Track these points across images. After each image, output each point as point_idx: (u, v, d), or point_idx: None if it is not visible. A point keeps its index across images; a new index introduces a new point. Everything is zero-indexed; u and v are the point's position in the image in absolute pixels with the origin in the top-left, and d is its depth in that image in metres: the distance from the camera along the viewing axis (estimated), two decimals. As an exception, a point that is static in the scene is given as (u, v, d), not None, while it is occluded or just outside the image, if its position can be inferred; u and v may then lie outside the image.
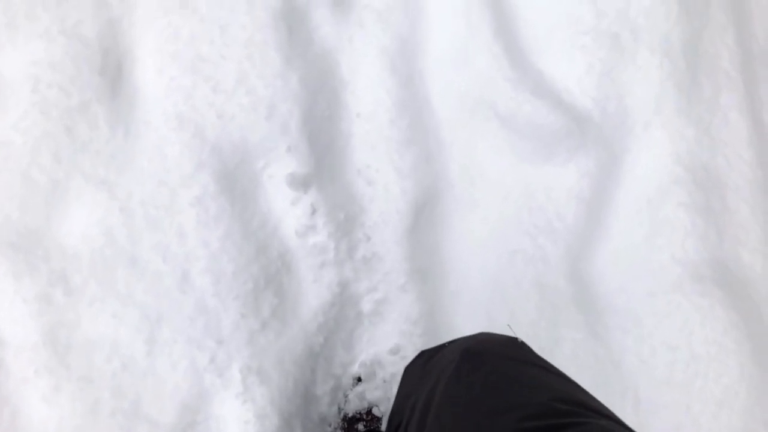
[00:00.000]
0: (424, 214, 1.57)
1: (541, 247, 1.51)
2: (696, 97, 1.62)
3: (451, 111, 1.59)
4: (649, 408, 1.44)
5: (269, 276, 1.44)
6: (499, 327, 1.07)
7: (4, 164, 1.39)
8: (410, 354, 1.46)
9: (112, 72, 1.49)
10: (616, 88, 1.58)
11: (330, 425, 1.46)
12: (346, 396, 1.48)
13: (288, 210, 1.48)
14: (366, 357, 1.51)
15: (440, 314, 1.53)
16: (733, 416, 1.41)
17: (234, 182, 1.47)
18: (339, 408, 1.48)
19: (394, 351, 1.48)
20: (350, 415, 1.45)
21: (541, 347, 0.96)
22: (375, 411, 1.46)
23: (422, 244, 1.55)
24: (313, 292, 1.47)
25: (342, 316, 1.50)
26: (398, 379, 1.17)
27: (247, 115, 1.48)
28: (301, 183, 1.47)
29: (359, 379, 1.48)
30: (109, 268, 1.38)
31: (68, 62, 1.45)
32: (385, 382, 1.48)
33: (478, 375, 0.81)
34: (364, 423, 1.44)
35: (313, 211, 1.47)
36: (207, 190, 1.43)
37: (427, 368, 0.96)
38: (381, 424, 1.46)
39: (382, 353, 1.50)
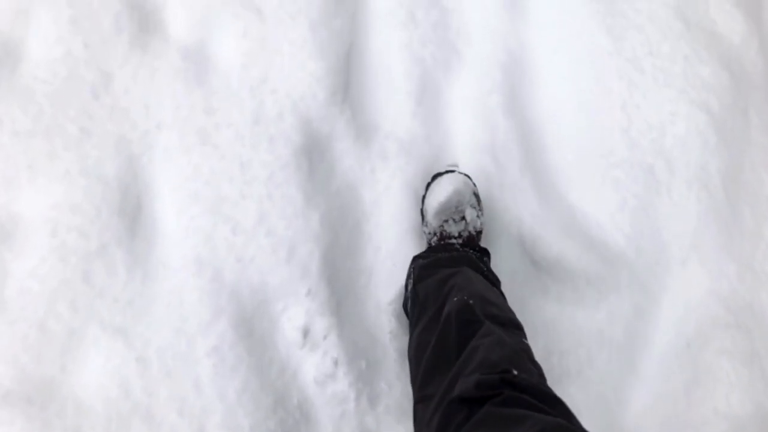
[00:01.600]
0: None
1: (571, 395, 1.43)
2: (737, 229, 1.54)
3: (476, 246, 1.53)
4: None
5: (287, 429, 1.39)
6: None
7: (21, 314, 1.37)
8: None
9: (131, 211, 1.47)
10: (651, 223, 1.50)
11: None
12: None
13: (307, 357, 1.42)
14: None
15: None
16: None
17: (252, 328, 1.42)
18: None
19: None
20: None
21: None
22: None
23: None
24: (333, 444, 1.41)
25: (363, 468, 1.44)
26: None
27: (267, 258, 1.45)
28: (320, 330, 1.42)
29: None
30: (124, 422, 1.34)
31: (88, 204, 1.43)
32: None
33: None
34: None
35: (333, 360, 1.42)
36: (225, 338, 1.39)
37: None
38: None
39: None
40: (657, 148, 1.52)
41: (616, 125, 1.53)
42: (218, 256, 1.44)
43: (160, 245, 1.46)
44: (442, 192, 1.42)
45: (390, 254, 1.52)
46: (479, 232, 1.45)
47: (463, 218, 1.42)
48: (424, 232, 1.48)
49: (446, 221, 1.42)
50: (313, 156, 1.53)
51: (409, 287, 1.36)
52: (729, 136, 1.57)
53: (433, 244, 1.44)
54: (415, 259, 1.41)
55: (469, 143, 1.54)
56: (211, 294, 1.41)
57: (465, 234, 1.42)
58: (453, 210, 1.42)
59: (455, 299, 1.11)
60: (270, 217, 1.47)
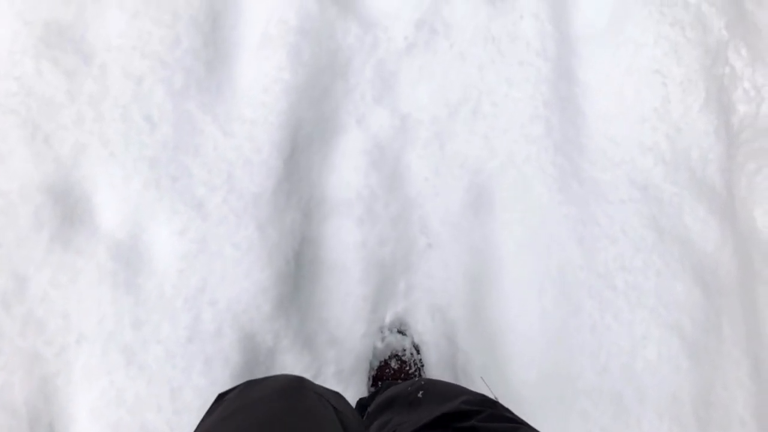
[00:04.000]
0: None
1: None
2: (708, 463, 1.44)
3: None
4: None
5: None
6: None
7: None
8: None
9: (41, 441, 1.29)
10: (619, 460, 1.39)
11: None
12: None
13: None
14: None
15: None
16: None
17: None
18: None
19: None
20: None
21: None
22: None
23: None
24: None
25: None
26: None
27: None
28: None
29: None
30: None
31: (-11, 439, 1.25)
32: None
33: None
34: None
35: None
36: None
37: None
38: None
39: None
40: (627, 375, 1.42)
41: (585, 348, 1.43)
42: (139, 503, 1.27)
43: (72, 489, 1.28)
44: None
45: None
46: None
47: None
48: None
49: None
50: (255, 375, 1.38)
51: None
52: (701, 356, 1.48)
53: None
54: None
55: (433, 356, 1.42)
56: None
57: None
58: None
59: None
60: (201, 455, 1.30)
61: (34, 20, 1.47)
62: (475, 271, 1.51)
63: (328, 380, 1.42)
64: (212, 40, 1.54)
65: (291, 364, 1.41)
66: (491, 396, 0.95)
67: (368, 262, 1.47)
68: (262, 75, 1.51)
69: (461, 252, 1.51)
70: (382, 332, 1.48)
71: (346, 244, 1.49)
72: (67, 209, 1.40)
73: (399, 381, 1.37)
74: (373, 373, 1.47)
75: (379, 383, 1.43)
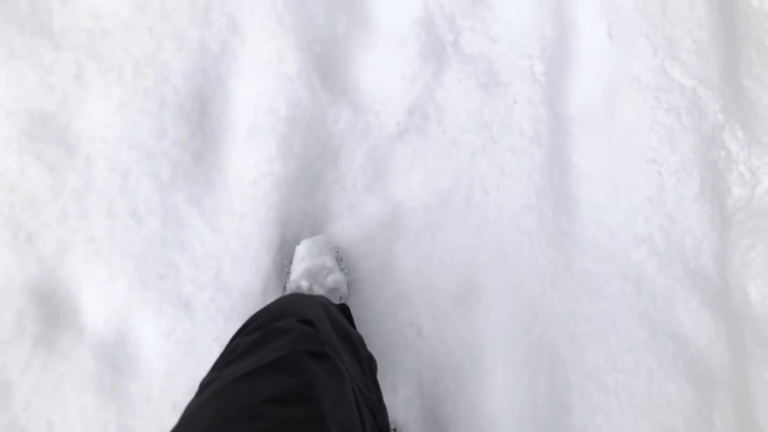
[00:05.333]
0: None
1: None
2: None
3: None
4: None
5: None
6: None
7: None
8: None
9: None
10: None
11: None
12: None
13: None
14: None
15: None
16: None
17: None
18: None
19: None
20: None
21: None
22: None
23: None
24: None
25: None
26: None
27: None
28: None
29: None
30: None
31: None
32: None
33: None
34: None
35: None
36: None
37: None
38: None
39: None
40: None
41: (576, 450, 1.41)
42: None
43: None
44: None
45: None
46: None
47: None
48: None
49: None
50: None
51: None
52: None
53: None
54: None
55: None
56: None
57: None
58: None
59: None
60: None
61: (17, 110, 1.44)
62: (465, 365, 1.49)
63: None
64: (200, 128, 1.51)
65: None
66: None
67: (358, 360, 1.45)
68: (251, 166, 1.49)
69: (451, 344, 1.49)
70: (371, 429, 1.46)
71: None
72: (51, 311, 1.37)
73: None
74: None
75: None
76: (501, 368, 1.49)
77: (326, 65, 1.58)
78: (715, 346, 1.56)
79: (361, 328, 1.48)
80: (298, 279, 1.36)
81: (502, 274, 1.52)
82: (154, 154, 1.46)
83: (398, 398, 1.49)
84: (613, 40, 1.68)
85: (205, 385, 0.83)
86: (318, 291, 1.36)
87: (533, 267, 1.51)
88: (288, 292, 1.38)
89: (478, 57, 1.64)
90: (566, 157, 1.62)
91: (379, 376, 1.47)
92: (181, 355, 1.38)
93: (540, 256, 1.52)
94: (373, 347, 1.47)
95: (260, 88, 1.53)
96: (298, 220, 1.51)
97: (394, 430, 1.47)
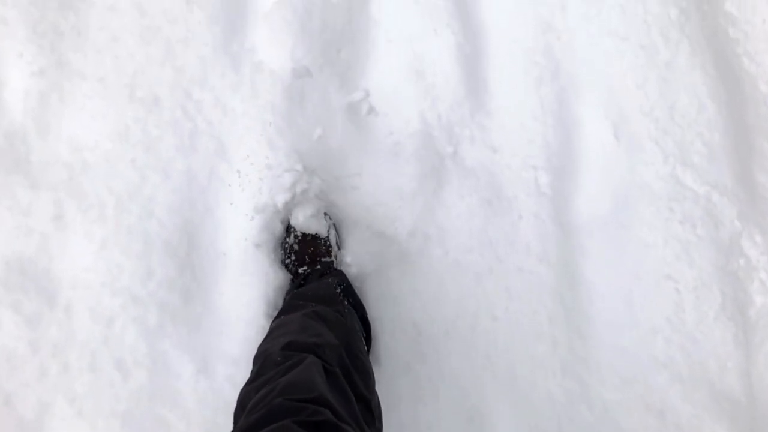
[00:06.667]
0: None
1: None
2: None
3: None
4: None
5: None
6: None
7: None
8: None
9: None
10: None
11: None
12: None
13: None
14: None
15: None
16: None
17: None
18: None
19: None
20: None
21: None
22: None
23: None
24: None
25: None
26: None
27: None
28: None
29: None
30: None
31: None
32: None
33: None
34: None
35: None
36: None
37: None
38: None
39: None
40: None
41: None
42: None
43: None
44: None
45: None
46: None
47: None
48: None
49: None
50: None
51: None
52: None
53: None
54: None
55: None
56: None
57: None
58: None
59: None
60: None
61: (-6, 257, 1.35)
62: None
63: None
64: (188, 264, 1.42)
65: None
66: None
67: None
68: (243, 306, 1.40)
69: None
70: None
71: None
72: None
73: None
74: None
75: None
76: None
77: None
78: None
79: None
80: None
81: (516, 409, 1.42)
82: (140, 298, 1.37)
83: None
84: (620, 143, 1.61)
85: None
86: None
87: (549, 401, 1.42)
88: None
89: (480, 169, 1.56)
90: (577, 274, 1.53)
91: None
92: None
93: (555, 387, 1.43)
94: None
95: (244, 223, 1.44)
96: (295, 358, 1.41)
97: None
